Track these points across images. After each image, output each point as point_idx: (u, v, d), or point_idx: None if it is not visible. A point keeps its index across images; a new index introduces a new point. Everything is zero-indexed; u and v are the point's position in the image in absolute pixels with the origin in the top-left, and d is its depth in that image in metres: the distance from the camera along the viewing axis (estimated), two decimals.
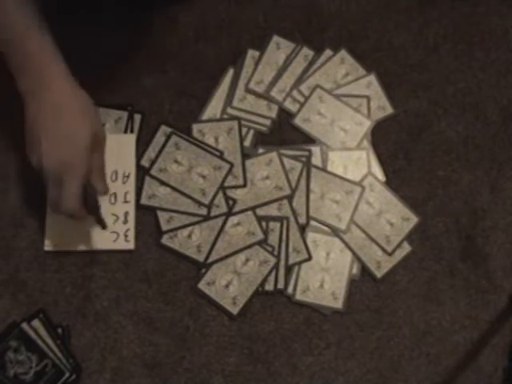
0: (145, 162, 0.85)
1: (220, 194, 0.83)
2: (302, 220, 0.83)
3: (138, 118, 0.87)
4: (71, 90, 0.75)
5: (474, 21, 0.93)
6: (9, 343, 0.77)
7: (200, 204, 0.83)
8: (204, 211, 0.83)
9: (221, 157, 0.85)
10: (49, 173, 0.73)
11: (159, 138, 0.86)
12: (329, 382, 0.80)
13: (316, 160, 0.86)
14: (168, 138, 0.85)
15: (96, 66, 0.89)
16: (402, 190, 0.85)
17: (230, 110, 0.87)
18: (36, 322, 0.79)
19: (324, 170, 0.86)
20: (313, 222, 0.84)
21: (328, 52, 0.91)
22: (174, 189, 0.83)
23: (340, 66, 0.90)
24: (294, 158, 0.85)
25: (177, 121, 0.87)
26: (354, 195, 0.85)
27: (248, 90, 0.88)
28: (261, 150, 0.86)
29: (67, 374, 0.77)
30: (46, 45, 0.73)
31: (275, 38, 0.91)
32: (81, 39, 0.90)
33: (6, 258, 0.82)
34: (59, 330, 0.79)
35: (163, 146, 0.85)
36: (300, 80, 0.90)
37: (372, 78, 0.90)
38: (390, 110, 0.89)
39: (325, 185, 0.85)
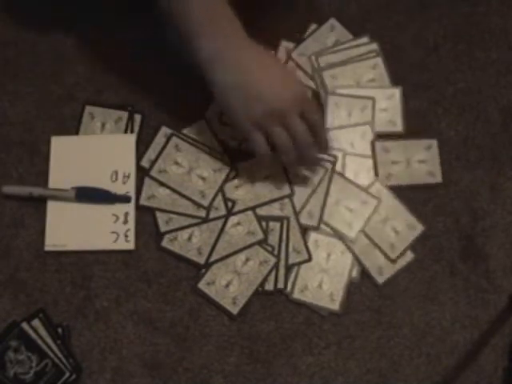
0: (145, 163, 0.85)
1: (219, 197, 0.83)
2: (314, 223, 0.83)
3: (138, 118, 0.87)
4: (255, 45, 0.77)
5: (473, 21, 0.93)
6: (9, 343, 0.77)
7: (199, 206, 0.83)
8: (203, 213, 0.83)
9: (221, 159, 0.85)
10: (286, 114, 0.75)
11: (160, 138, 0.86)
12: (329, 381, 0.79)
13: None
14: (168, 139, 0.85)
15: (96, 65, 0.89)
16: (403, 190, 0.85)
17: None
18: (36, 322, 0.79)
19: (344, 176, 0.85)
20: (321, 226, 0.83)
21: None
22: (174, 190, 0.83)
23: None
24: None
25: (177, 121, 0.87)
26: (368, 206, 0.84)
27: None
28: None
29: (67, 374, 0.77)
30: (228, 9, 0.75)
31: None
32: (81, 39, 0.90)
33: (6, 257, 0.82)
34: (59, 330, 0.79)
35: (163, 147, 0.85)
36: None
37: (396, 91, 0.89)
38: (399, 128, 0.88)
39: (342, 191, 0.84)
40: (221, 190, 0.83)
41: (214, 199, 0.83)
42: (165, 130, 0.86)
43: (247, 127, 0.76)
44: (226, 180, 0.84)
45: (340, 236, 0.83)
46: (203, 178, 0.84)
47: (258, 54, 0.77)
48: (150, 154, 0.85)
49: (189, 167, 0.84)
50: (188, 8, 0.74)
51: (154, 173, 0.84)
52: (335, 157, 0.85)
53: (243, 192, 0.84)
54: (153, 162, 0.84)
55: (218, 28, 0.74)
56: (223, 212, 0.83)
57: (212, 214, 0.83)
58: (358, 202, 0.84)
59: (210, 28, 0.74)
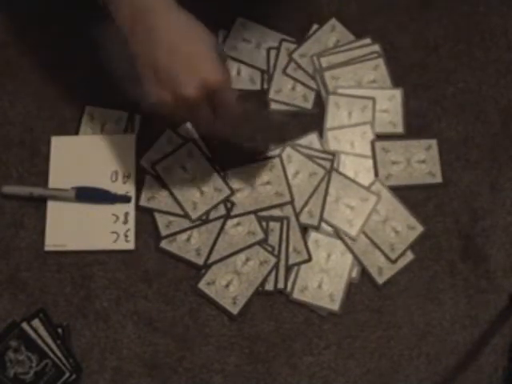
0: (145, 163, 0.85)
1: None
2: (314, 222, 0.83)
3: (138, 118, 0.87)
4: (180, 11, 0.71)
5: (474, 21, 0.93)
6: (9, 343, 0.77)
7: (187, 217, 0.82)
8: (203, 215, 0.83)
9: (225, 180, 0.84)
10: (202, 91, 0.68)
11: (162, 140, 0.86)
12: (329, 381, 0.80)
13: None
14: (185, 142, 0.85)
15: (96, 66, 0.89)
16: (403, 190, 0.85)
17: None
18: (36, 322, 0.79)
19: (343, 174, 0.85)
20: (322, 224, 0.83)
21: None
22: (169, 191, 0.83)
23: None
24: (318, 162, 0.85)
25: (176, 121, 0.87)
26: (368, 203, 0.84)
27: None
28: (277, 151, 0.86)
29: (67, 374, 0.77)
30: None
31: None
32: (81, 39, 0.90)
33: (6, 257, 0.82)
34: (59, 330, 0.79)
35: (177, 148, 0.85)
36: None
37: (397, 92, 0.89)
38: (400, 129, 0.88)
39: (341, 189, 0.84)
40: (213, 208, 0.83)
41: (202, 215, 0.83)
42: (168, 133, 0.86)
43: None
44: (221, 202, 0.83)
45: (341, 234, 0.83)
46: (201, 192, 0.83)
47: (191, 20, 0.70)
48: (152, 154, 0.85)
49: (193, 176, 0.84)
50: None
51: (159, 167, 0.84)
52: (334, 155, 0.85)
53: (243, 196, 0.84)
54: (162, 158, 0.84)
55: None
56: (223, 212, 0.83)
57: (212, 215, 0.83)
58: (358, 199, 0.84)
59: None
